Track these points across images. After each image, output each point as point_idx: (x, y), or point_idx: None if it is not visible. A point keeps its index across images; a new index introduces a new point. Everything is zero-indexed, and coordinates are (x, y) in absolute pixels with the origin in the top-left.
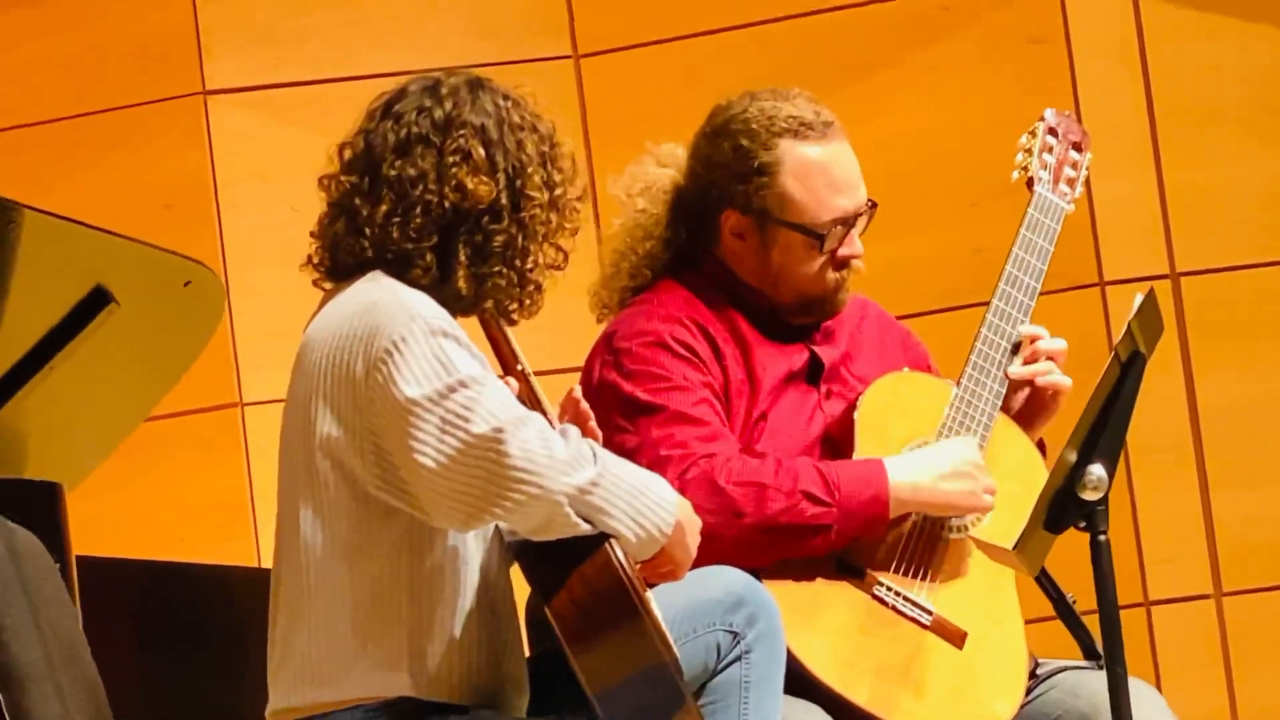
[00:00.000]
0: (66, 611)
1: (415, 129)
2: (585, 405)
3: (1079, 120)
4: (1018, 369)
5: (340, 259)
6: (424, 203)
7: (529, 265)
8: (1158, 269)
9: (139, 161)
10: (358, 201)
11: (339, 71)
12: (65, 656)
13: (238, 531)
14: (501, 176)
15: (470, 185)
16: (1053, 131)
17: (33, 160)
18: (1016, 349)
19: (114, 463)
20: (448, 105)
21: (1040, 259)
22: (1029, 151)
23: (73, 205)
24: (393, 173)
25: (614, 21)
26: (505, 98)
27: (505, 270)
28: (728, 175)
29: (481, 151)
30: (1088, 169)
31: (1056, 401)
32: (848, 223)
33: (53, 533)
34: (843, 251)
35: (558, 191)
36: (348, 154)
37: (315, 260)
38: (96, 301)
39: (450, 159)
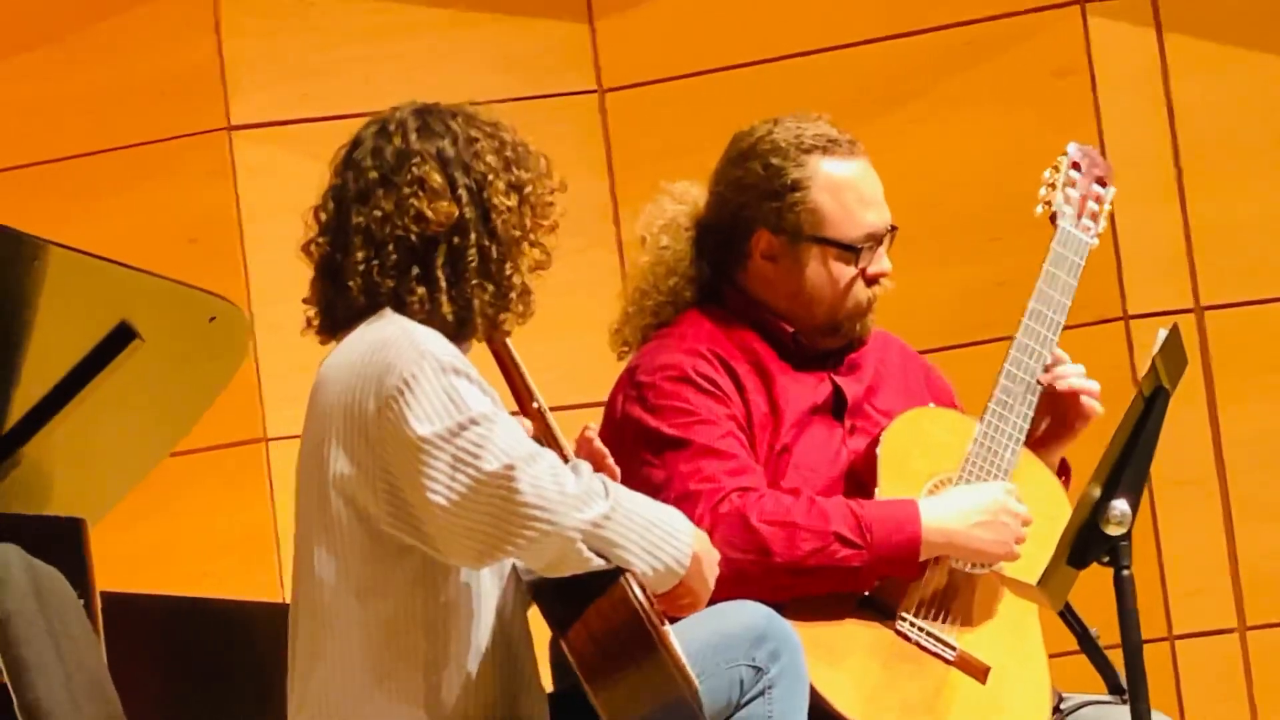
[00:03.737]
0: (90, 647)
1: (373, 174)
2: (599, 444)
3: (1103, 153)
4: (1066, 380)
5: (338, 315)
6: (394, 239)
7: (508, 272)
8: (1182, 303)
9: (164, 196)
10: (337, 257)
11: (364, 106)
12: (89, 692)
13: (262, 566)
14: (463, 193)
15: (429, 212)
16: (1076, 166)
17: (58, 195)
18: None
19: (138, 497)
20: (397, 140)
21: (1064, 293)
22: (1052, 186)
23: (98, 240)
24: (360, 219)
25: (638, 56)
26: (454, 115)
27: (484, 283)
28: (758, 195)
29: (438, 175)
30: (1111, 203)
31: (1083, 424)
32: (878, 239)
33: (77, 568)
34: (873, 269)
35: (527, 190)
36: (322, 216)
37: (316, 325)
38: (121, 337)
39: (407, 190)
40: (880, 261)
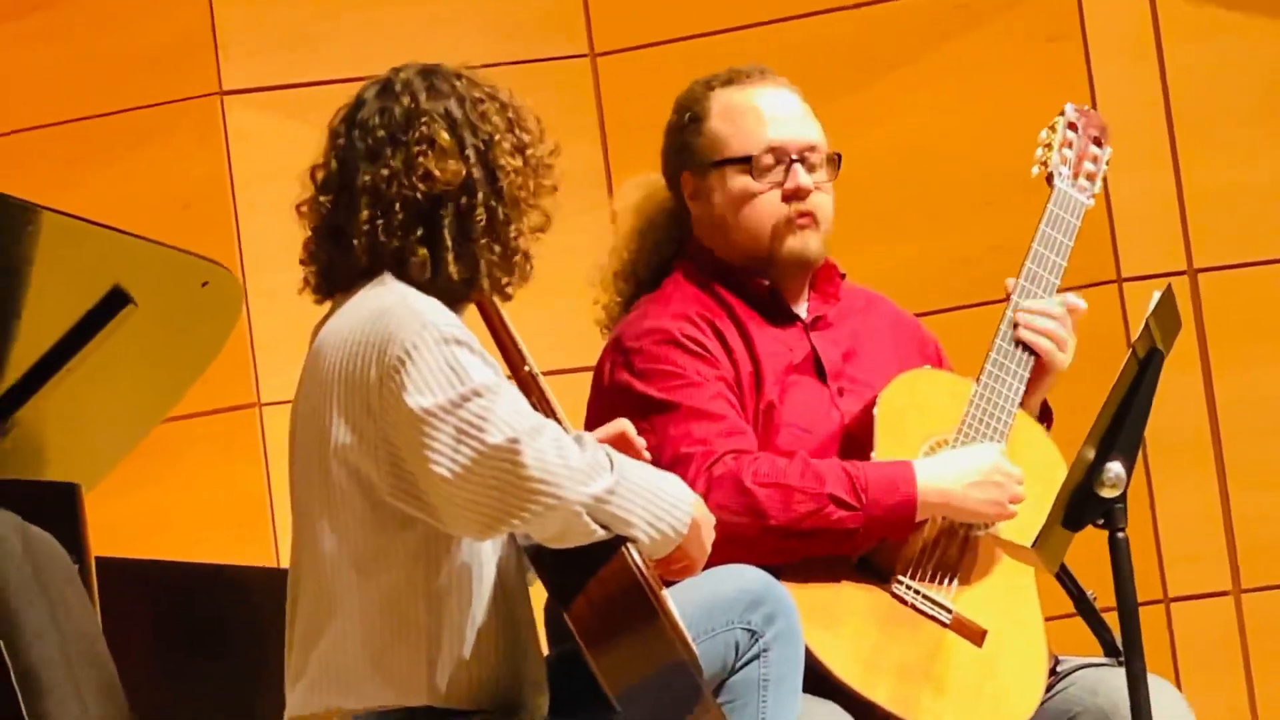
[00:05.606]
0: (85, 613)
1: (380, 132)
2: (632, 433)
3: None
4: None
5: (337, 276)
6: (401, 198)
7: (513, 234)
8: (1175, 265)
9: (156, 163)
10: (340, 216)
11: (355, 72)
12: (84, 658)
13: (256, 532)
14: (471, 153)
15: (437, 171)
16: (1073, 126)
17: (50, 162)
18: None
19: (132, 463)
20: (405, 100)
21: (1060, 254)
22: (1049, 146)
23: (90, 207)
24: (367, 179)
25: (630, 20)
26: (458, 76)
27: (491, 244)
28: (675, 140)
29: (446, 135)
30: (1108, 163)
31: (1053, 362)
32: (782, 152)
33: (71, 534)
34: (788, 185)
35: (529, 152)
36: (320, 175)
37: (313, 284)
38: (114, 302)
39: (416, 149)
40: (795, 177)
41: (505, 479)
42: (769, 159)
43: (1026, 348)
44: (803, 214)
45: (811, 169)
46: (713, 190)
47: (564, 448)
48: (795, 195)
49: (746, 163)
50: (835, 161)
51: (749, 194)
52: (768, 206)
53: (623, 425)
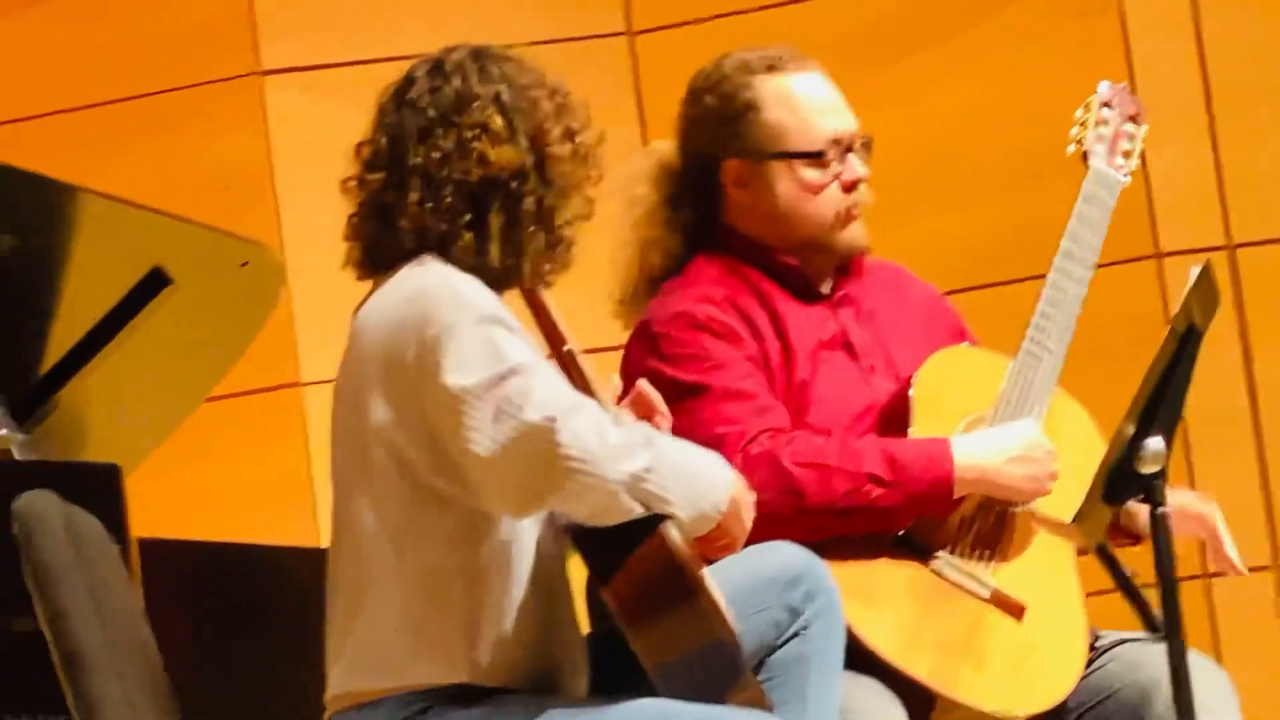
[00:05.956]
0: (127, 595)
1: (432, 112)
2: (649, 392)
3: (1133, 91)
4: None
5: (381, 254)
6: (452, 181)
7: (560, 222)
8: (1214, 240)
9: (196, 144)
10: (388, 195)
11: (394, 51)
12: (126, 640)
13: (298, 511)
14: (523, 139)
15: (493, 155)
16: (1107, 104)
17: (90, 143)
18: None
19: (174, 443)
20: (456, 81)
21: (1096, 232)
22: (1084, 125)
23: (130, 188)
24: (418, 160)
25: None
26: (508, 60)
27: (537, 231)
28: (717, 126)
29: (500, 119)
30: (1143, 141)
31: None
32: (843, 144)
33: (112, 515)
34: (847, 176)
35: (578, 140)
36: (367, 152)
37: (355, 260)
38: (154, 283)
39: (469, 133)
40: (853, 168)
41: (543, 457)
42: (833, 151)
43: (1066, 326)
44: (857, 204)
45: (859, 156)
46: (772, 181)
47: (602, 426)
48: (853, 186)
49: (815, 157)
50: (870, 145)
51: (817, 187)
52: (831, 199)
53: (638, 384)
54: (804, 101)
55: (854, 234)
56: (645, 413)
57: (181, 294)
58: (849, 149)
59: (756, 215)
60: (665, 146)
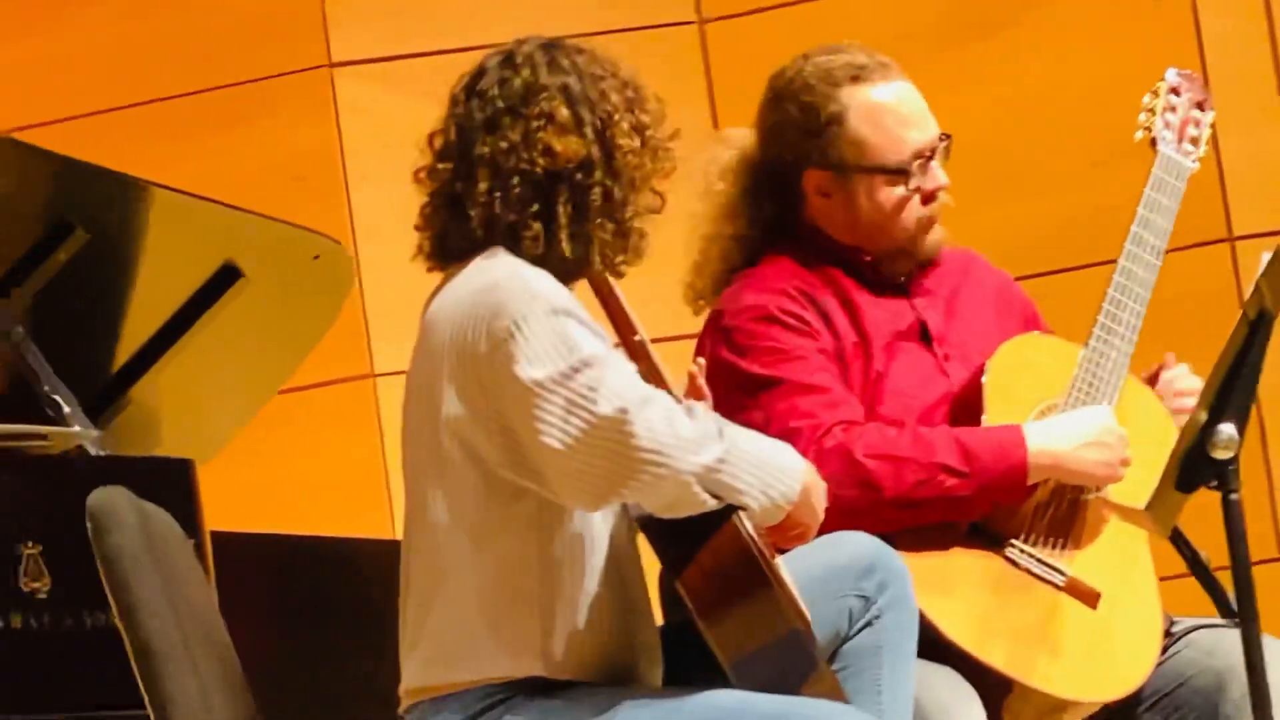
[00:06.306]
0: (200, 588)
1: (500, 103)
2: (701, 384)
3: (1204, 75)
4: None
5: (451, 244)
6: (519, 172)
7: (628, 214)
8: None
9: (267, 136)
10: (458, 185)
11: (463, 41)
12: (200, 633)
13: (372, 503)
14: (589, 130)
15: (558, 146)
16: (1175, 91)
17: (161, 136)
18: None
19: (247, 435)
20: (525, 73)
21: (1166, 218)
22: (1152, 111)
23: (201, 181)
24: (485, 150)
25: None
26: (579, 52)
27: (605, 223)
28: (798, 135)
29: (565, 110)
30: (1211, 127)
31: None
32: (926, 156)
33: (186, 510)
34: (927, 185)
35: (648, 133)
36: (439, 142)
37: (426, 251)
38: (226, 277)
39: (535, 124)
40: (935, 176)
41: (616, 450)
42: (918, 165)
43: (1135, 312)
44: (937, 209)
45: (939, 160)
46: (855, 194)
47: (674, 418)
48: (934, 196)
49: (899, 174)
50: (950, 146)
51: (899, 202)
52: (914, 210)
53: (688, 371)
54: (888, 116)
55: (933, 238)
56: (695, 397)
57: (253, 288)
58: (930, 158)
59: (837, 221)
60: (744, 138)
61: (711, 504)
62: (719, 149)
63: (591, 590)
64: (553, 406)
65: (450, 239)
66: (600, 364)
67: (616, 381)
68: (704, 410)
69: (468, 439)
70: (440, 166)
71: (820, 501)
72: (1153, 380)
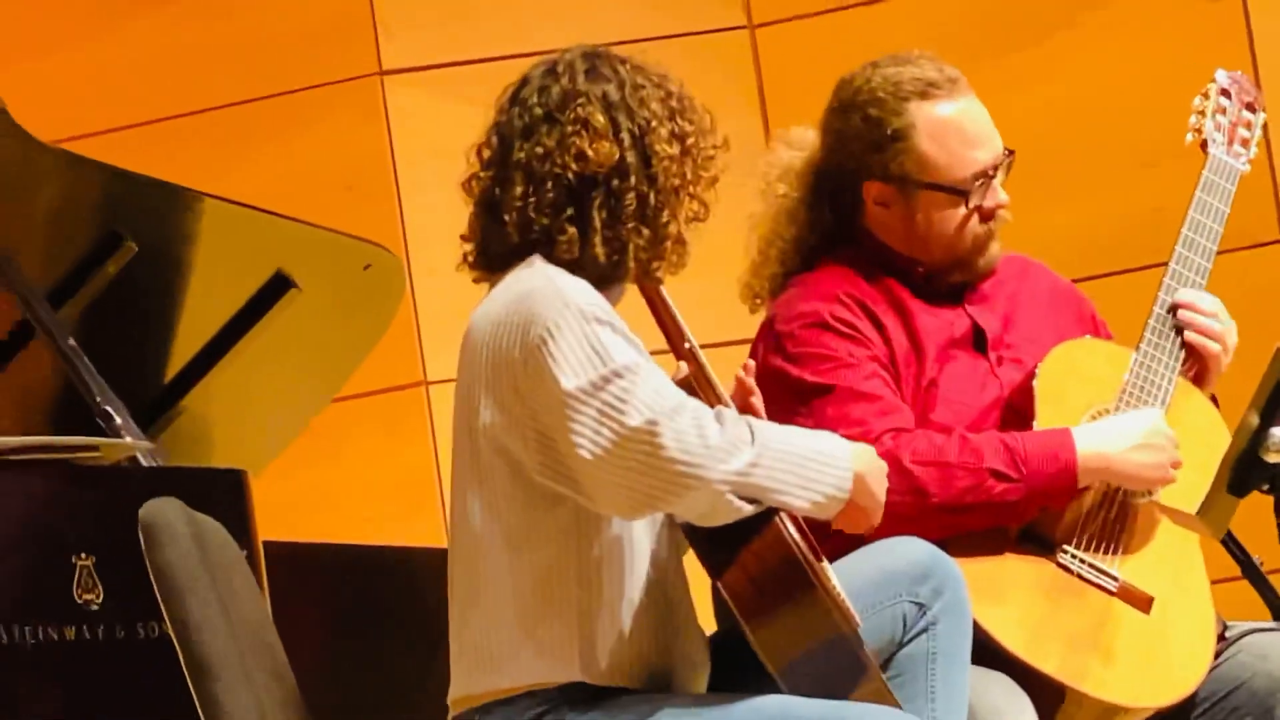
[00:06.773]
0: (254, 599)
1: (538, 110)
2: (749, 381)
3: (1256, 76)
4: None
5: (492, 251)
6: (552, 176)
7: (665, 220)
8: None
9: (318, 144)
10: (495, 192)
11: (514, 48)
12: (253, 645)
13: (425, 511)
14: (626, 136)
15: (590, 151)
16: (1225, 93)
17: (212, 145)
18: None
19: (300, 444)
20: (564, 81)
21: (1216, 220)
22: (1202, 113)
23: (253, 189)
24: (521, 155)
25: None
26: (622, 61)
27: (639, 228)
28: (862, 147)
29: (601, 117)
30: (1262, 129)
31: (1213, 365)
32: (988, 175)
33: (239, 521)
34: (987, 204)
35: (689, 142)
36: (485, 153)
37: (471, 260)
38: (278, 287)
39: (571, 129)
40: (995, 195)
41: (647, 461)
42: (980, 184)
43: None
44: (996, 225)
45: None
46: (915, 208)
47: (703, 426)
48: (993, 214)
49: (960, 193)
50: (1011, 156)
51: (960, 220)
52: (972, 227)
53: (737, 374)
54: (952, 135)
55: (990, 253)
56: (741, 397)
57: (305, 298)
58: (993, 176)
59: (894, 231)
60: (806, 139)
61: (748, 510)
62: (781, 149)
63: (631, 597)
64: (585, 418)
65: (490, 245)
66: (631, 373)
67: (647, 392)
68: (734, 415)
69: (505, 446)
70: (482, 175)
71: (879, 484)
72: (1198, 380)
